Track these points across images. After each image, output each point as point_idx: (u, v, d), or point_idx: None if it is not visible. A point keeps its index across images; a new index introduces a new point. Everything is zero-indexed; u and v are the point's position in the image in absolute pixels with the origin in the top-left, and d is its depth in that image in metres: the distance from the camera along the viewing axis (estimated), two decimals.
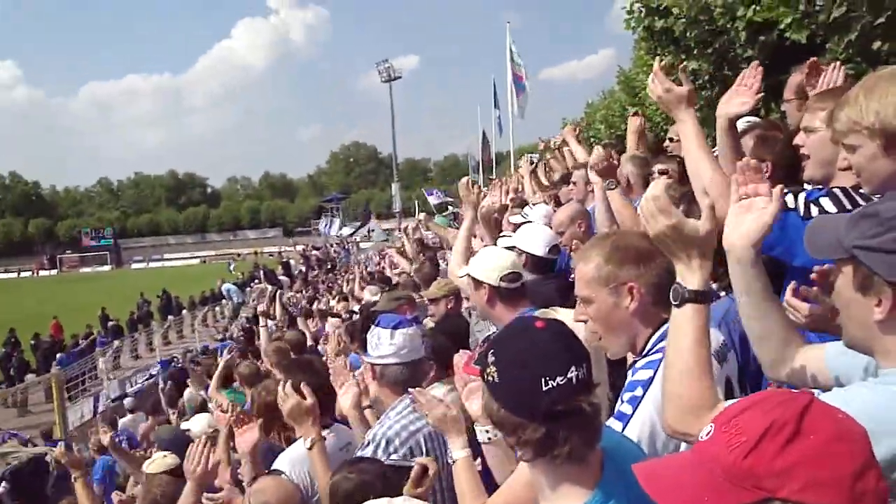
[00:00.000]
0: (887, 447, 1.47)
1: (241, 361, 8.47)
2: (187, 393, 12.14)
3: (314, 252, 49.81)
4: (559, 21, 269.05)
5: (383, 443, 3.15)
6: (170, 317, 36.14)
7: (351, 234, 48.64)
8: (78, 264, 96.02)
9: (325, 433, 3.58)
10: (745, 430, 1.19)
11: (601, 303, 2.33)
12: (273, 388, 4.57)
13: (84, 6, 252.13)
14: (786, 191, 2.69)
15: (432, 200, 23.34)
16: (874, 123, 2.04)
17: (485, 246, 4.96)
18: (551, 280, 4.74)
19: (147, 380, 21.79)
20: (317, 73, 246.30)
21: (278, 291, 24.74)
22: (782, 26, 7.03)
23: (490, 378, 1.70)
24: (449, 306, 5.83)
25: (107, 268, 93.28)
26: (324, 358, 7.73)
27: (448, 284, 5.79)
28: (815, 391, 1.71)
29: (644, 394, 2.19)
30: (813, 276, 2.25)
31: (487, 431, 2.73)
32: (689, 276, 1.90)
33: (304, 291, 30.86)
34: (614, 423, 2.19)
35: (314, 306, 21.29)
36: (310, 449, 3.42)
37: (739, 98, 2.98)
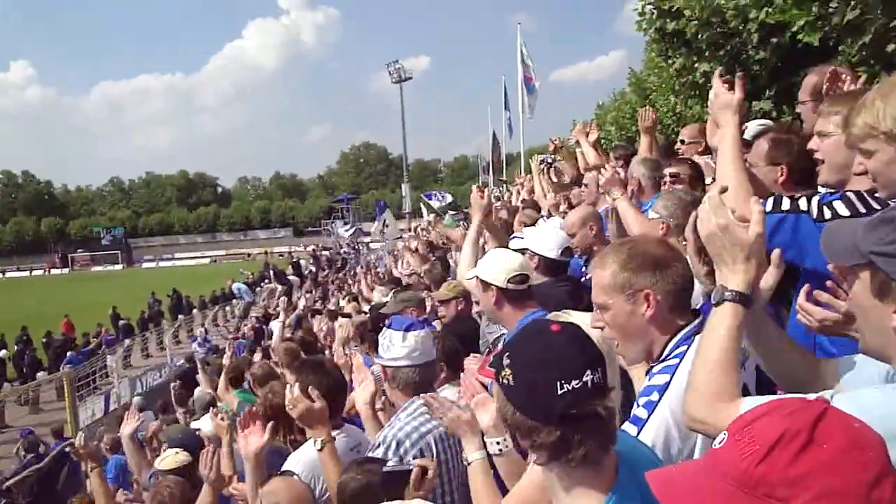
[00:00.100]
0: None
1: (253, 361, 8.49)
2: (197, 391, 12.18)
3: (324, 252, 49.85)
4: (570, 22, 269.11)
5: (394, 444, 3.15)
6: (180, 316, 36.25)
7: (359, 233, 48.64)
8: (89, 263, 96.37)
9: (335, 434, 3.59)
10: (759, 439, 1.19)
11: (618, 309, 2.34)
12: (280, 391, 4.58)
13: (96, 6, 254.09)
14: (799, 194, 2.69)
15: (434, 204, 23.26)
16: (892, 128, 2.04)
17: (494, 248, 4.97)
18: (563, 283, 4.74)
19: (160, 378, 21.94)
20: (327, 74, 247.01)
21: (289, 290, 24.84)
22: (795, 28, 6.99)
23: (505, 381, 1.70)
24: (459, 307, 5.84)
25: (118, 267, 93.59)
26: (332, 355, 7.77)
27: (458, 286, 5.80)
28: (830, 395, 1.71)
29: (660, 398, 2.19)
30: (831, 267, 2.25)
31: (498, 443, 2.74)
32: (732, 277, 1.95)
33: (313, 291, 30.91)
34: (629, 428, 2.19)
35: (324, 306, 21.33)
36: (320, 450, 3.43)
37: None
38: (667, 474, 1.41)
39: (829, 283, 2.23)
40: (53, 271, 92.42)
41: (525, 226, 7.12)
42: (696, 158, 5.35)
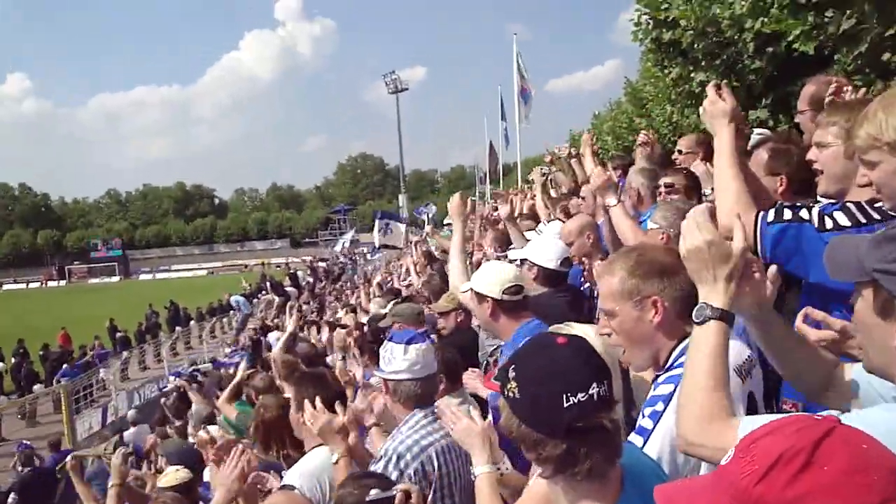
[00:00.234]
0: None
1: (255, 374, 8.45)
2: (195, 405, 12.14)
3: (321, 264, 49.80)
4: (565, 32, 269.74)
5: (395, 458, 3.14)
6: (178, 328, 36.18)
7: (356, 244, 48.59)
8: (86, 275, 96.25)
9: None
10: (759, 458, 1.17)
11: (625, 316, 2.34)
12: (272, 405, 4.56)
13: (93, 18, 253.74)
14: (798, 204, 2.69)
15: (423, 218, 23.18)
16: (895, 139, 2.03)
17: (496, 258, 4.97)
18: (563, 293, 4.74)
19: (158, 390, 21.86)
20: (324, 85, 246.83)
21: (287, 302, 24.74)
22: (791, 38, 7.01)
23: (511, 394, 1.70)
24: (459, 319, 5.83)
25: (115, 279, 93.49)
26: (333, 369, 7.74)
27: (456, 298, 5.79)
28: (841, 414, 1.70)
29: (665, 408, 2.18)
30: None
31: (498, 469, 2.75)
32: (714, 295, 1.91)
33: (311, 303, 30.87)
34: (635, 438, 2.19)
35: (322, 318, 21.30)
36: (335, 463, 3.41)
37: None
38: (673, 489, 1.40)
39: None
40: (50, 283, 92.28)
41: (499, 244, 7.16)
42: (696, 165, 5.36)
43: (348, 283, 35.89)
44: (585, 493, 1.69)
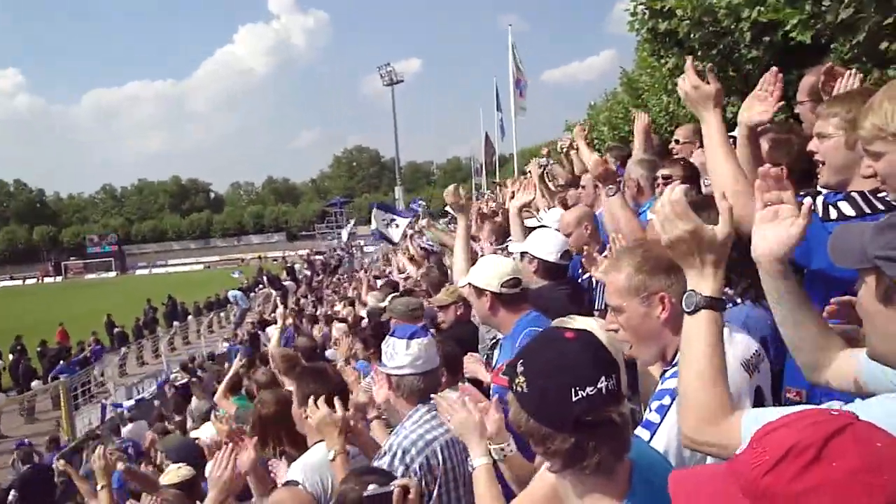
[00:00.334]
0: None
1: (256, 368, 8.44)
2: (195, 400, 12.15)
3: (318, 257, 49.84)
4: (560, 23, 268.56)
5: (399, 453, 3.14)
6: (175, 323, 36.19)
7: (353, 236, 48.57)
8: (82, 271, 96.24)
9: None
10: (770, 449, 1.17)
11: (632, 312, 2.35)
12: (270, 401, 4.55)
13: (86, 14, 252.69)
14: (802, 193, 2.69)
15: (419, 210, 23.01)
16: None
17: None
18: (563, 286, 4.73)
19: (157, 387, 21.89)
20: (319, 78, 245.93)
21: (284, 295, 24.79)
22: (788, 27, 7.00)
23: (519, 388, 1.70)
24: (458, 312, 5.82)
25: (111, 274, 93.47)
26: (332, 362, 7.74)
27: (457, 291, 5.79)
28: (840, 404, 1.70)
29: (672, 402, 2.17)
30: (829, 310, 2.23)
31: (502, 448, 2.74)
32: (703, 282, 1.88)
33: (308, 296, 30.90)
34: (641, 432, 2.19)
35: (319, 311, 21.32)
36: (332, 460, 3.41)
37: (760, 106, 2.96)
38: (685, 474, 1.40)
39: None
40: (46, 280, 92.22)
41: (496, 236, 7.15)
42: (696, 155, 5.34)
43: (345, 276, 35.91)
44: (594, 487, 1.70)
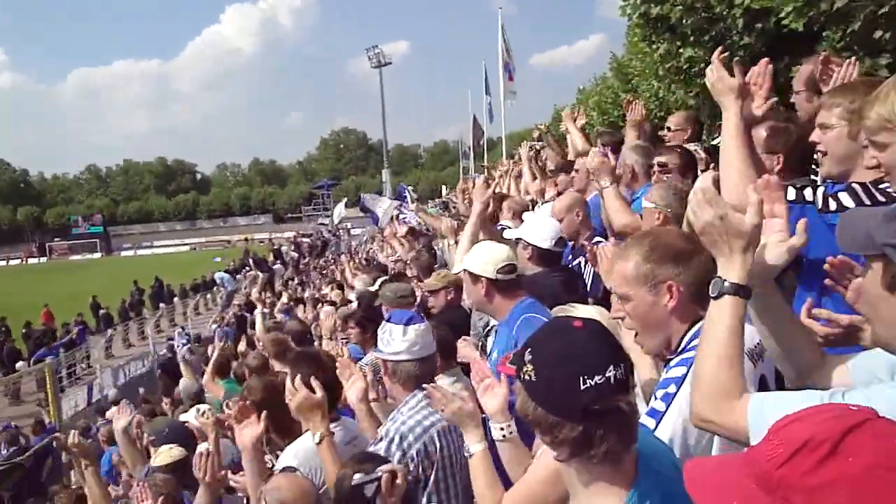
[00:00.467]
0: None
1: (248, 352, 8.40)
2: (182, 382, 12.09)
3: (304, 239, 49.70)
4: (550, 6, 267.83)
5: (397, 438, 3.14)
6: (161, 305, 36.04)
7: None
8: (67, 252, 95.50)
9: (332, 426, 3.57)
10: (786, 441, 1.17)
11: (639, 300, 2.35)
12: (257, 387, 4.54)
13: None
14: (798, 184, 2.69)
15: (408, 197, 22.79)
16: None
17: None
18: (557, 273, 4.73)
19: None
20: (306, 59, 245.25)
21: (271, 278, 24.71)
22: (782, 14, 7.00)
23: (527, 377, 1.70)
24: (449, 297, 5.80)
25: (96, 255, 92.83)
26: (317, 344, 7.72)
27: (447, 276, 5.77)
28: (842, 393, 1.70)
29: (677, 391, 2.19)
30: (826, 266, 2.24)
31: (503, 429, 2.73)
32: (731, 269, 1.91)
33: (294, 279, 30.83)
34: (647, 420, 2.20)
35: (305, 293, 21.27)
36: (318, 443, 3.41)
37: (755, 101, 2.96)
38: (702, 464, 1.40)
39: (826, 266, 2.24)
40: (31, 261, 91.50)
41: (514, 213, 7.10)
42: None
43: (332, 259, 35.83)
44: (600, 476, 1.70)
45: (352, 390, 3.75)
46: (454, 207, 14.07)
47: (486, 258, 3.87)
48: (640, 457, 1.73)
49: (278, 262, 39.69)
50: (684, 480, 1.29)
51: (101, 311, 34.31)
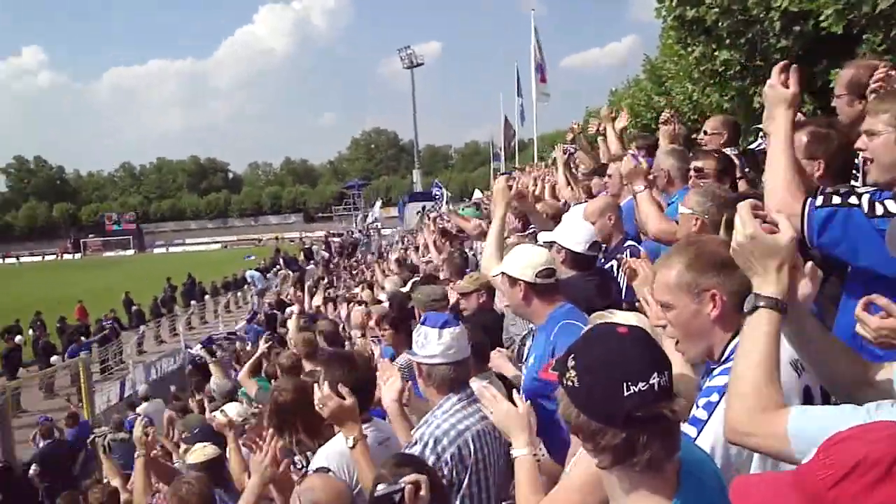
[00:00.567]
0: None
1: (280, 351, 8.47)
2: (214, 379, 12.17)
3: (335, 239, 49.85)
4: (581, 8, 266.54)
5: (431, 442, 3.13)
6: (193, 302, 36.38)
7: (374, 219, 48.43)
8: (101, 249, 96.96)
9: (364, 427, 3.57)
10: (837, 462, 1.15)
11: (682, 309, 2.33)
12: (287, 388, 4.55)
13: None
14: (847, 189, 2.65)
15: (436, 194, 22.75)
16: None
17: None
18: (591, 277, 4.70)
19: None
20: (338, 59, 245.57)
21: (301, 277, 24.81)
22: (822, 17, 6.91)
23: (570, 383, 1.69)
24: (481, 300, 5.80)
25: (129, 252, 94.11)
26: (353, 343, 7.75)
27: (479, 278, 5.76)
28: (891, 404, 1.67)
29: (720, 400, 2.16)
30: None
31: (534, 455, 2.74)
32: (765, 284, 1.91)
33: (325, 278, 30.94)
34: (688, 429, 2.17)
35: (336, 293, 21.35)
36: (352, 447, 3.42)
37: None
38: (751, 481, 1.38)
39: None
40: (66, 256, 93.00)
41: (547, 216, 7.07)
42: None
43: (362, 259, 35.94)
44: (642, 484, 1.68)
45: (388, 391, 3.75)
46: (486, 209, 14.03)
47: (525, 261, 3.84)
48: (682, 465, 1.71)
49: (311, 262, 39.81)
50: (731, 497, 1.28)
51: (134, 308, 34.71)
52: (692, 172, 4.76)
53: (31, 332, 29.01)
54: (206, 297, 38.37)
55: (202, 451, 5.03)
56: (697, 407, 2.23)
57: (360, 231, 49.95)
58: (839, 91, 3.90)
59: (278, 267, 40.54)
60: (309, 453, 4.12)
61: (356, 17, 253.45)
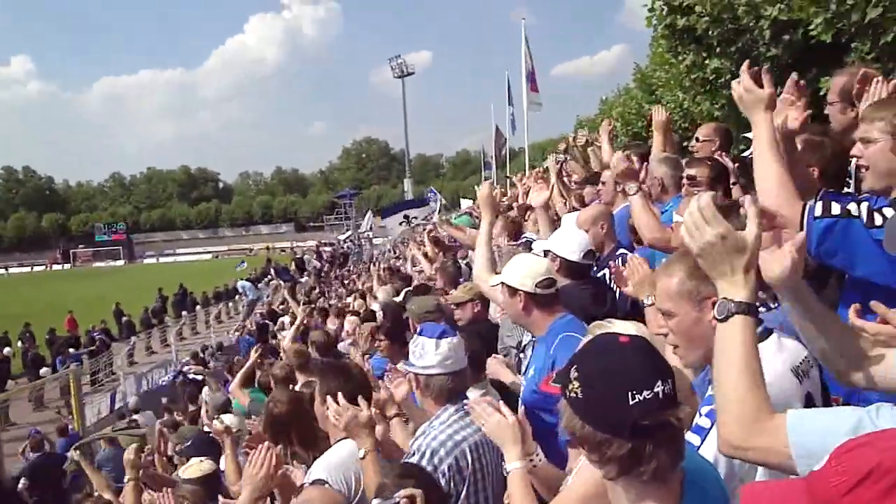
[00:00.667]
0: None
1: (274, 362, 8.43)
2: (206, 391, 12.12)
3: (326, 248, 49.82)
4: (571, 17, 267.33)
5: (428, 453, 3.12)
6: (184, 313, 36.24)
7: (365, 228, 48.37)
8: (91, 259, 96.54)
9: None
10: (850, 469, 1.14)
11: (684, 316, 2.33)
12: (282, 399, 4.52)
13: (98, 2, 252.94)
14: (846, 196, 2.66)
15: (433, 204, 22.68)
16: None
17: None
18: (586, 286, 4.70)
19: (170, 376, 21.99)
20: (329, 69, 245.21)
21: (294, 287, 24.77)
22: (812, 26, 6.95)
23: (573, 394, 1.68)
24: (475, 310, 5.77)
25: (119, 262, 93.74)
26: (346, 356, 7.72)
27: (473, 288, 5.73)
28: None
29: None
30: None
31: (531, 460, 2.73)
32: (735, 289, 1.86)
33: (317, 288, 30.89)
34: (692, 437, 2.17)
35: (328, 304, 21.31)
36: (363, 458, 3.38)
37: (792, 112, 2.92)
38: (761, 489, 1.37)
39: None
40: (55, 267, 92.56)
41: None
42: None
43: (353, 269, 35.91)
44: (648, 494, 1.67)
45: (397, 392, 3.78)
46: (476, 218, 14.02)
47: (524, 271, 3.82)
48: (686, 474, 1.71)
49: (304, 274, 39.72)
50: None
51: (124, 319, 34.55)
52: (685, 181, 4.76)
53: (19, 343, 28.84)
54: (198, 307, 38.21)
55: (198, 466, 4.98)
56: (700, 415, 2.22)
57: (350, 241, 49.89)
58: (832, 98, 3.91)
59: (269, 277, 40.47)
60: (304, 465, 4.09)
61: (346, 26, 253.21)
